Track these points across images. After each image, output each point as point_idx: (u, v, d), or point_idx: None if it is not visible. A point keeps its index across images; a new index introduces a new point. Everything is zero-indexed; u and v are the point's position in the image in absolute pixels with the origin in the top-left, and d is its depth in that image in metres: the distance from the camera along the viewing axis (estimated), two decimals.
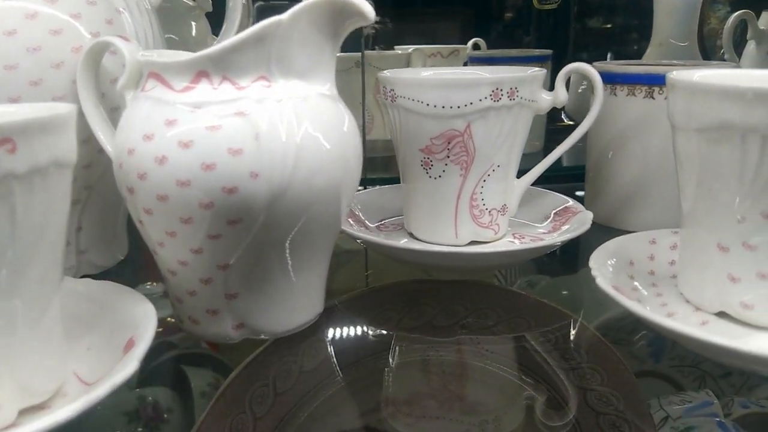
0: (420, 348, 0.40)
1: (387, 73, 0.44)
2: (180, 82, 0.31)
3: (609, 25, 1.01)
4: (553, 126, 0.86)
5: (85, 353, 0.31)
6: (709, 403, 0.37)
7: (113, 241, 0.46)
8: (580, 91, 0.83)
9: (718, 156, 0.31)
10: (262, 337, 0.35)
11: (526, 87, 0.42)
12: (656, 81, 0.48)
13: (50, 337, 0.28)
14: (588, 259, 0.37)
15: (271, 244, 0.32)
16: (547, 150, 0.85)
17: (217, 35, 0.80)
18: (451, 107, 0.41)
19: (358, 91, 0.80)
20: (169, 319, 0.38)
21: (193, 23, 0.72)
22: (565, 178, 0.65)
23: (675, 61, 0.59)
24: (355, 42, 0.94)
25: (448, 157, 0.43)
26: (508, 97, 0.41)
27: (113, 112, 0.40)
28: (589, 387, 0.34)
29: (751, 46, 0.91)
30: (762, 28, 0.90)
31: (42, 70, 0.37)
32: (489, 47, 0.93)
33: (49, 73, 0.37)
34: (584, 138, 0.56)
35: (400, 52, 0.86)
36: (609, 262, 0.38)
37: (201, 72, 0.31)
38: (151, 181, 0.31)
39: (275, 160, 0.30)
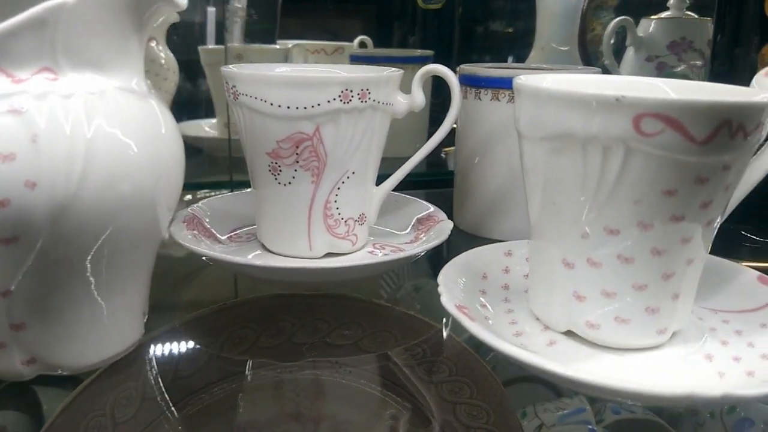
0: (277, 368, 0.37)
1: (230, 68, 0.40)
2: None
3: (495, 28, 1.01)
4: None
5: None
6: (582, 410, 0.37)
7: None
8: None
9: (561, 166, 0.29)
10: (59, 372, 0.31)
11: (380, 89, 0.39)
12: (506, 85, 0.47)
13: None
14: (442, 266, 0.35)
15: (65, 263, 0.28)
16: (436, 153, 0.84)
17: None
18: (297, 108, 0.38)
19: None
20: None
21: None
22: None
23: (545, 66, 0.58)
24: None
25: (297, 162, 0.39)
26: (359, 99, 0.38)
27: None
28: (458, 401, 0.33)
29: (630, 53, 0.94)
30: (640, 35, 0.92)
31: None
32: (376, 46, 0.91)
33: None
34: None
35: (278, 47, 0.82)
36: (460, 276, 0.36)
37: None
38: None
39: (58, 165, 0.26)
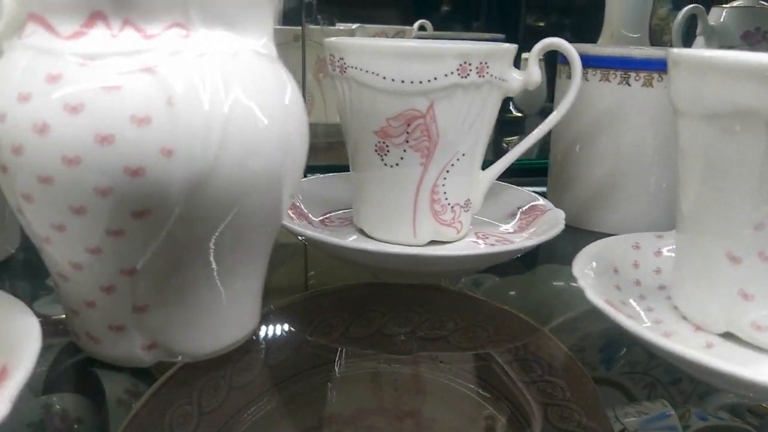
0: (368, 359, 0.35)
1: (336, 39, 0.37)
2: (68, 26, 0.24)
3: (562, 13, 0.97)
4: (501, 117, 0.82)
5: None
6: (666, 415, 0.34)
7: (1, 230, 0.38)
8: None
9: (734, 149, 0.26)
10: (179, 359, 0.28)
11: (496, 63, 0.36)
12: (632, 65, 0.44)
13: None
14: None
15: (192, 243, 0.25)
16: (497, 143, 0.80)
17: None
18: (412, 82, 0.35)
19: (297, 68, 0.73)
20: None
21: None
22: (520, 172, 0.60)
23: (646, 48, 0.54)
24: (294, 15, 0.86)
25: (407, 142, 0.36)
26: (477, 73, 0.35)
27: None
28: (551, 402, 0.30)
29: (700, 42, 0.89)
30: (712, 24, 0.88)
31: None
32: (435, 29, 0.88)
33: None
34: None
35: (342, 28, 0.79)
36: (589, 269, 0.33)
37: (96, 13, 0.23)
38: (30, 156, 0.23)
39: (195, 133, 0.23)
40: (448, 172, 0.38)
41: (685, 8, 0.88)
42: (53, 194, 0.23)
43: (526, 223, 0.42)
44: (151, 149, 0.23)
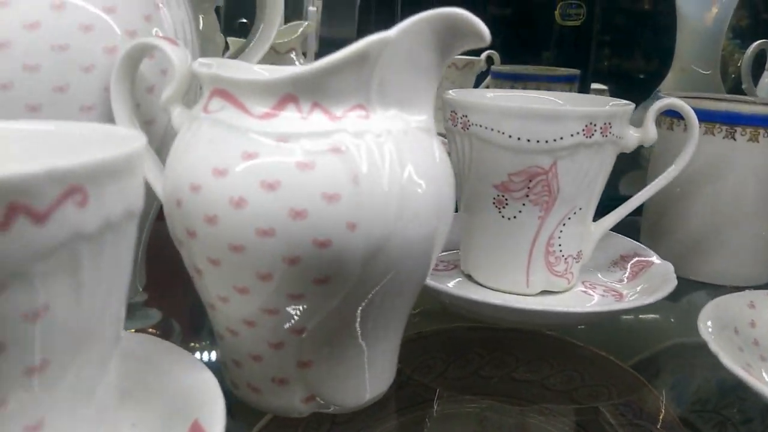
0: (466, 400, 0.36)
1: (459, 96, 0.39)
2: (260, 107, 0.25)
3: (632, 47, 0.98)
4: None
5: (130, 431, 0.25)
6: None
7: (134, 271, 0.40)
8: None
9: None
10: (332, 410, 0.30)
11: (617, 122, 0.37)
12: (739, 120, 0.44)
13: (104, 412, 0.22)
14: None
15: (360, 304, 0.27)
16: None
17: (226, 32, 0.74)
18: (537, 141, 0.36)
19: None
20: None
21: (201, 16, 0.66)
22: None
23: (741, 97, 0.55)
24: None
25: (527, 196, 0.38)
26: (601, 133, 0.37)
27: (147, 126, 0.34)
28: None
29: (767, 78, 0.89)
30: None
31: (68, 73, 0.31)
32: (503, 60, 0.89)
33: (77, 78, 0.31)
34: (639, 171, 0.52)
35: None
36: (712, 329, 0.33)
37: (287, 96, 0.25)
38: (224, 226, 0.25)
39: (376, 208, 0.25)
40: (564, 225, 0.39)
41: (754, 44, 0.88)
42: (242, 261, 0.25)
43: (633, 274, 0.43)
44: (338, 223, 0.24)
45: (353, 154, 0.25)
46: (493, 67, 0.80)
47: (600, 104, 0.39)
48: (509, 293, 0.40)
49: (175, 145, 0.27)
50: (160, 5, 0.34)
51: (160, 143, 0.35)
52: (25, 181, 0.15)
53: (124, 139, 0.20)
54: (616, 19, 0.95)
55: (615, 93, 0.95)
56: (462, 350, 0.40)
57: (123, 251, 0.20)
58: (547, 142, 0.36)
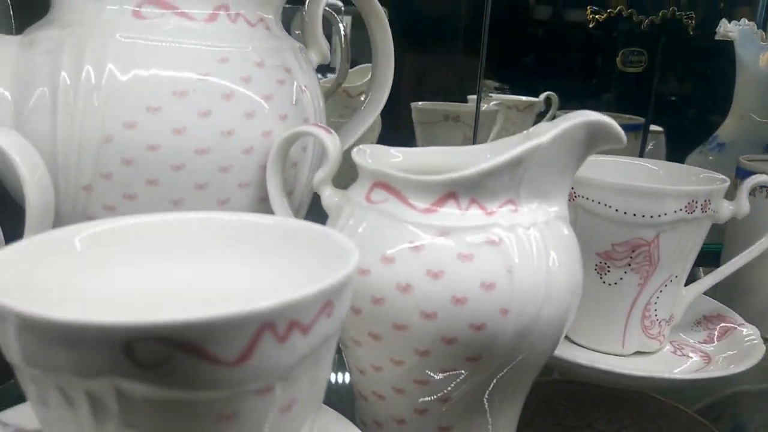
0: None
1: None
2: (422, 202, 0.29)
3: (691, 94, 1.00)
4: None
5: None
6: None
7: None
8: None
9: None
10: None
11: (715, 198, 0.40)
12: None
13: None
14: None
15: (498, 375, 0.30)
16: None
17: None
18: (642, 216, 0.39)
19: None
20: None
21: None
22: None
23: None
24: (437, 88, 0.91)
25: (629, 265, 0.40)
26: (701, 209, 0.39)
27: (287, 197, 0.37)
28: None
29: None
30: None
31: (233, 155, 0.34)
32: (562, 103, 0.92)
33: (240, 159, 0.34)
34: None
35: (485, 107, 0.84)
36: None
37: (448, 194, 0.28)
38: (389, 307, 0.28)
39: (526, 295, 0.28)
40: (661, 291, 0.41)
41: None
42: (403, 339, 0.28)
43: (719, 335, 0.45)
44: (493, 309, 0.27)
45: (507, 245, 0.28)
46: (557, 113, 0.83)
47: (698, 179, 0.42)
48: (605, 353, 0.43)
49: (338, 228, 0.31)
50: (303, 88, 0.38)
51: (295, 212, 0.39)
52: (301, 302, 0.18)
53: (340, 245, 0.23)
54: (677, 66, 0.98)
55: (672, 136, 0.97)
56: (548, 402, 0.42)
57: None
58: (651, 217, 0.39)
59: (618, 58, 0.91)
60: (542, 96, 0.94)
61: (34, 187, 0.27)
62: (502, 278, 0.27)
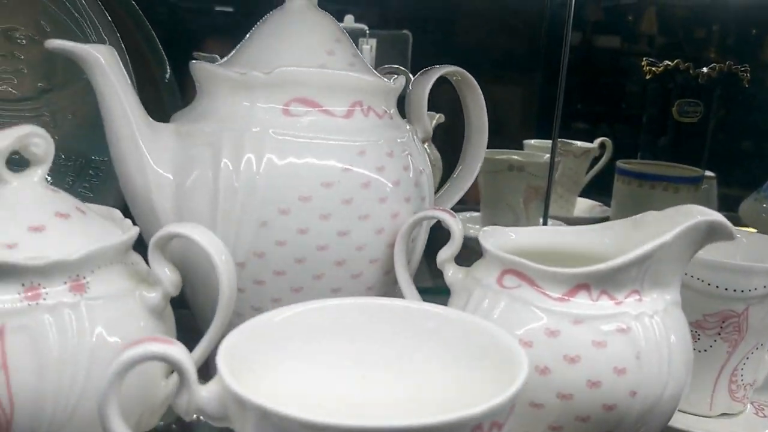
0: None
1: None
2: (556, 291, 0.32)
3: (746, 145, 1.03)
4: None
5: None
6: None
7: None
8: None
9: None
10: None
11: None
12: None
13: None
14: None
15: None
16: None
17: None
18: (734, 290, 0.42)
19: (510, 196, 0.82)
20: None
21: None
22: None
23: None
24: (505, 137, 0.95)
25: (719, 334, 0.43)
26: None
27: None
28: None
29: None
30: None
31: (367, 236, 0.38)
32: (616, 149, 0.95)
33: (372, 239, 0.38)
34: None
35: (546, 156, 0.87)
36: None
37: (581, 285, 0.32)
38: (527, 388, 0.31)
39: (652, 378, 0.31)
40: (747, 358, 0.44)
41: None
42: (539, 415, 0.32)
43: None
44: (624, 392, 0.31)
45: (635, 333, 0.31)
46: (618, 163, 0.86)
47: None
48: (693, 414, 0.46)
49: (469, 309, 0.34)
50: (421, 171, 0.42)
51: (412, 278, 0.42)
52: (502, 405, 0.22)
53: (510, 349, 0.27)
54: (732, 116, 1.00)
55: (726, 182, 1.00)
56: None
57: None
58: (741, 291, 0.42)
59: (674, 108, 0.94)
60: (596, 142, 0.98)
61: (227, 277, 0.31)
62: (631, 363, 0.31)
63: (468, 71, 0.46)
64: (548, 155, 0.88)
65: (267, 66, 0.38)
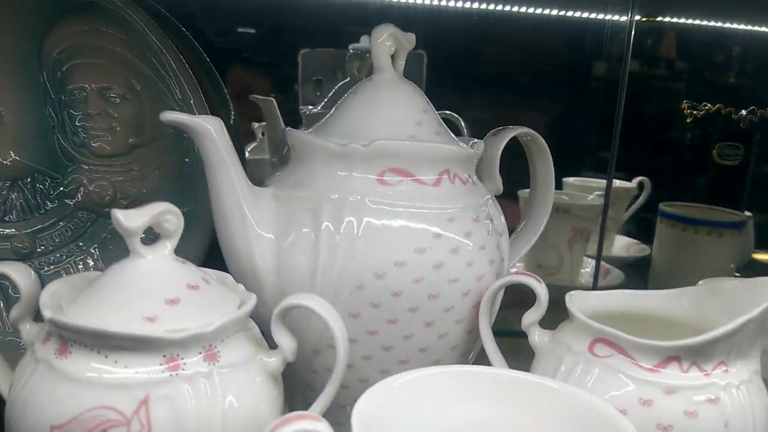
0: None
1: None
2: (647, 361, 0.34)
3: None
4: None
5: None
6: None
7: None
8: None
9: None
10: None
11: None
12: None
13: None
14: None
15: None
16: None
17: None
18: None
19: (555, 237, 0.84)
20: None
21: None
22: None
23: None
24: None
25: None
26: None
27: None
28: None
29: None
30: None
31: (455, 298, 0.40)
32: (654, 190, 0.97)
33: (459, 301, 0.40)
34: None
35: (590, 198, 0.89)
36: None
37: (672, 356, 0.34)
38: None
39: None
40: None
41: None
42: None
43: None
44: None
45: (724, 403, 0.33)
46: (661, 206, 0.88)
47: None
48: None
49: (560, 376, 0.36)
50: (500, 233, 0.44)
51: None
52: None
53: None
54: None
55: (765, 223, 1.01)
56: None
57: None
58: None
59: (714, 151, 0.95)
60: (635, 181, 0.99)
61: (343, 344, 0.33)
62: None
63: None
64: (592, 196, 0.90)
65: (361, 137, 0.40)
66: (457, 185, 0.42)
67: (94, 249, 0.52)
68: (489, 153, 0.48)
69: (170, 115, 0.39)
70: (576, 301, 0.39)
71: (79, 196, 0.50)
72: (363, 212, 0.39)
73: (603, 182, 0.97)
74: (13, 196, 0.48)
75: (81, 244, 0.50)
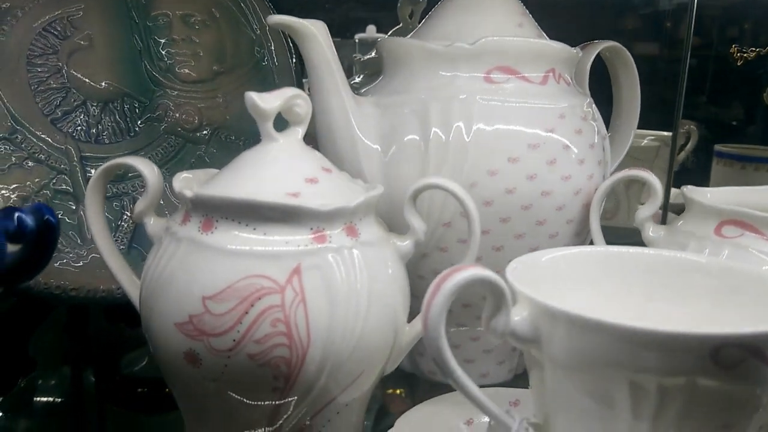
0: None
1: None
2: None
3: None
4: None
5: None
6: None
7: None
8: None
9: None
10: None
11: None
12: None
13: None
14: None
15: None
16: None
17: None
18: None
19: None
20: None
21: None
22: None
23: None
24: None
25: None
26: None
27: None
28: None
29: None
30: None
31: (567, 197, 0.40)
32: (702, 134, 0.96)
33: (571, 200, 0.40)
34: None
35: (644, 142, 0.88)
36: None
37: None
38: None
39: None
40: None
41: None
42: None
43: None
44: None
45: None
46: (718, 147, 0.87)
47: None
48: None
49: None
50: (605, 135, 0.44)
51: None
52: None
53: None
54: None
55: None
56: None
57: None
58: None
59: (765, 94, 0.94)
60: (684, 128, 0.98)
61: (476, 220, 0.33)
62: None
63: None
64: (647, 139, 0.90)
65: (462, 39, 0.40)
66: (562, 85, 0.42)
67: None
68: (580, 66, 0.48)
69: (276, 18, 0.38)
70: (693, 192, 0.38)
71: (167, 120, 0.50)
72: (473, 111, 0.39)
73: (654, 132, 0.96)
74: (105, 119, 0.48)
75: (168, 168, 0.50)
